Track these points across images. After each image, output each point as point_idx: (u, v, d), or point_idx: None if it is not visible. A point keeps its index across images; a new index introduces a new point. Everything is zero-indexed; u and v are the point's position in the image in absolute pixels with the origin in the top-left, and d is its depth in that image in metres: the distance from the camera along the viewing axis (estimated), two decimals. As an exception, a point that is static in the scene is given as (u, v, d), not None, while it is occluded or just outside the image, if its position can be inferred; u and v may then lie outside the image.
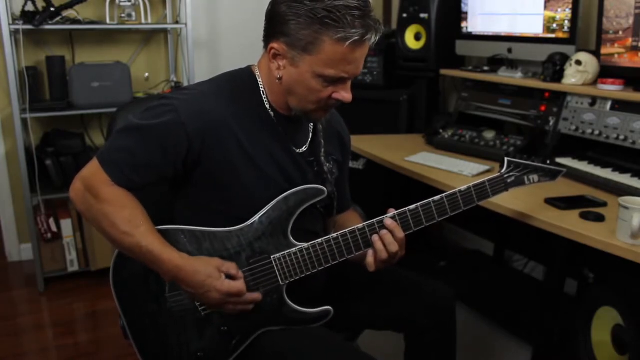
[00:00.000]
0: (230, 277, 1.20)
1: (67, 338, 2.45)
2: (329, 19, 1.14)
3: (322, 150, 1.39)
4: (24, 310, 2.71)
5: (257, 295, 1.23)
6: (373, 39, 1.19)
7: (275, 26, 1.20)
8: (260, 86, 1.29)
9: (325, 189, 1.30)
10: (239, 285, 1.20)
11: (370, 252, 1.28)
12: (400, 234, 1.27)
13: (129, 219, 1.18)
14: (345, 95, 1.24)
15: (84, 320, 2.63)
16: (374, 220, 1.28)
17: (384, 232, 1.27)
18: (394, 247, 1.27)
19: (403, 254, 1.31)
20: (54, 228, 2.86)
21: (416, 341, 1.46)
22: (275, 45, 1.21)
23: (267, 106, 1.29)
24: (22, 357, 2.33)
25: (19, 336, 2.48)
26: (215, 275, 1.18)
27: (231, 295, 1.19)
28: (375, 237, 1.27)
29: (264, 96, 1.29)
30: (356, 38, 1.15)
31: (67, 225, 2.87)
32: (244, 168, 1.25)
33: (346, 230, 1.27)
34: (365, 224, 1.27)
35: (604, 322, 1.73)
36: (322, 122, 1.40)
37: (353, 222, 1.42)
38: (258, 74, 1.30)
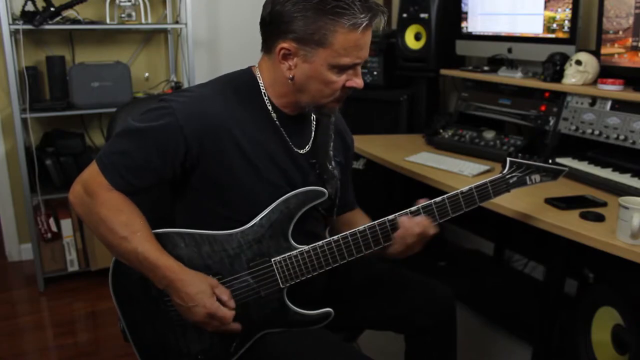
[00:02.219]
0: (220, 301, 1.19)
1: (67, 338, 2.45)
2: (338, 7, 1.15)
3: (331, 144, 1.38)
4: (24, 310, 2.71)
5: (236, 326, 1.22)
6: (383, 20, 1.21)
7: (279, 26, 1.19)
8: (262, 87, 1.29)
9: (326, 190, 1.30)
10: (226, 312, 1.19)
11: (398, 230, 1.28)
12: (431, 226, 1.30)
13: (126, 224, 1.17)
14: (358, 81, 1.25)
15: (84, 320, 2.63)
16: (375, 222, 1.28)
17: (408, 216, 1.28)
18: (418, 228, 1.27)
19: (431, 235, 1.31)
20: (54, 228, 2.86)
21: (416, 341, 1.46)
22: (284, 45, 1.20)
23: (270, 107, 1.29)
24: (22, 357, 2.33)
25: (19, 336, 2.48)
26: (207, 292, 1.17)
27: (214, 318, 1.18)
28: (403, 218, 1.28)
29: (265, 98, 1.29)
30: (367, 22, 1.17)
31: (67, 225, 2.87)
32: (244, 171, 1.24)
33: (347, 232, 1.27)
34: (366, 226, 1.27)
35: (604, 322, 1.73)
36: (336, 113, 1.40)
37: (360, 220, 1.42)
38: (259, 75, 1.30)
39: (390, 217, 1.28)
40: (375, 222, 1.28)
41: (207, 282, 1.19)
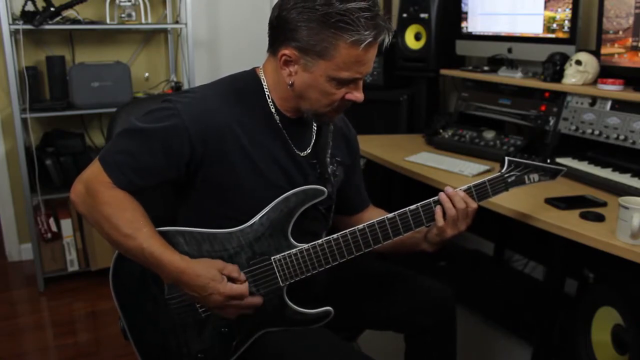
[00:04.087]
0: (231, 279, 1.19)
1: (67, 338, 2.45)
2: (342, 22, 1.14)
3: (329, 151, 1.38)
4: (24, 310, 2.71)
5: (257, 299, 1.23)
6: (387, 39, 1.20)
7: (284, 32, 1.19)
8: (265, 89, 1.29)
9: (325, 189, 1.30)
10: (241, 287, 1.19)
11: (438, 213, 1.30)
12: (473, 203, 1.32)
13: (130, 221, 1.17)
14: (358, 95, 1.25)
15: (84, 320, 2.63)
16: (374, 221, 1.28)
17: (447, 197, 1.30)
18: (462, 204, 1.29)
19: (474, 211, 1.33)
20: (54, 228, 2.86)
21: (416, 341, 1.46)
22: (286, 51, 1.20)
23: (273, 110, 1.29)
24: (22, 357, 2.33)
25: (19, 336, 2.48)
26: (217, 278, 1.17)
27: (233, 298, 1.18)
28: (442, 195, 1.30)
29: (269, 100, 1.29)
30: (370, 40, 1.16)
31: (67, 225, 2.87)
32: (246, 171, 1.24)
33: (346, 231, 1.27)
34: (365, 224, 1.27)
35: (604, 322, 1.72)
36: (337, 123, 1.40)
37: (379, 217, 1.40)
38: (263, 77, 1.29)
39: (390, 215, 1.28)
40: (375, 220, 1.28)
41: (214, 268, 1.18)
